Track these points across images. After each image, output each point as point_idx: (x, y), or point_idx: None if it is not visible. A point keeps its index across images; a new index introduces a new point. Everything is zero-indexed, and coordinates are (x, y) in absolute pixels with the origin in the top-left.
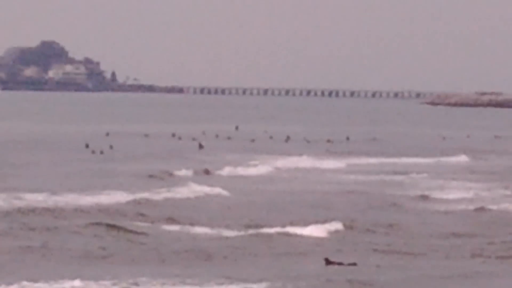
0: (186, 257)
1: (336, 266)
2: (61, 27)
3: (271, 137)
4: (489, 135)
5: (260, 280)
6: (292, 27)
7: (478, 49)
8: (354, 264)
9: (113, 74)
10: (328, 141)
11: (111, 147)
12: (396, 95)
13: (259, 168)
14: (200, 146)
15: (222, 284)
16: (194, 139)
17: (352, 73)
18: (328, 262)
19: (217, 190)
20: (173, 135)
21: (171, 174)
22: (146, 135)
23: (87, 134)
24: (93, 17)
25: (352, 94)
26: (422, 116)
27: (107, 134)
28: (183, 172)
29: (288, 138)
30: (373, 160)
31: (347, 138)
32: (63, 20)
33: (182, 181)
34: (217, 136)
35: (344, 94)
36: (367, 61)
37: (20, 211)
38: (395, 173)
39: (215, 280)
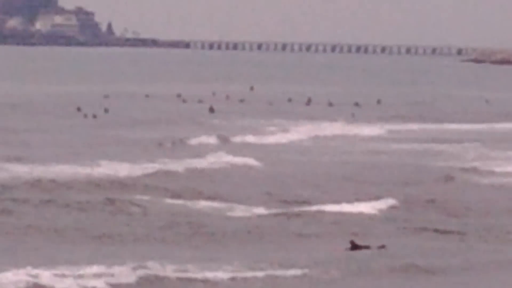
0: (216, 238)
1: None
2: None
3: (289, 100)
4: None
5: (291, 266)
6: None
7: None
8: (383, 246)
9: (109, 26)
10: (356, 104)
11: (106, 110)
12: (434, 51)
13: (287, 135)
14: (211, 110)
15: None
16: (201, 101)
17: (383, 26)
18: (354, 246)
19: (244, 160)
20: (179, 95)
21: (182, 142)
22: (147, 96)
23: (79, 95)
24: None
25: (383, 50)
26: (465, 75)
27: (106, 96)
28: (197, 140)
29: (309, 101)
30: (414, 126)
31: (378, 101)
32: None
33: (198, 150)
34: (227, 97)
35: (374, 50)
36: (400, 13)
37: (4, 184)
38: (444, 141)
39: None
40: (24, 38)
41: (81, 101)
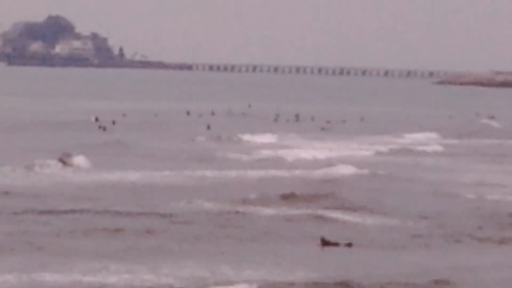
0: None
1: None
2: (68, 1)
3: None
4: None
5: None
6: (301, 4)
7: (493, 26)
8: (349, 244)
9: (121, 50)
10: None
11: (113, 122)
12: (408, 74)
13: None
14: (208, 127)
15: None
16: (201, 115)
17: (364, 51)
18: (324, 242)
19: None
20: (188, 113)
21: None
22: (156, 115)
23: (94, 111)
24: None
25: (364, 72)
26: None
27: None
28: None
29: (297, 116)
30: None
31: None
32: None
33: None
34: (229, 112)
35: (356, 73)
36: (380, 39)
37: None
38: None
39: None
40: (45, 60)
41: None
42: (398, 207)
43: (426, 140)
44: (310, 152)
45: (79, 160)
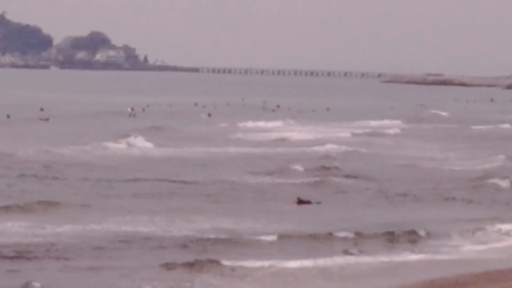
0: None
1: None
2: (105, 20)
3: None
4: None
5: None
6: (279, 21)
7: (428, 35)
8: (319, 203)
9: (145, 58)
10: (313, 110)
11: (144, 109)
12: (362, 75)
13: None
14: (209, 115)
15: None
16: (205, 106)
17: (329, 57)
18: (300, 201)
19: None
20: (196, 104)
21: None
22: (170, 105)
23: (127, 103)
24: (130, 12)
25: (328, 74)
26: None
27: (148, 106)
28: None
29: (278, 107)
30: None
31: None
32: (107, 14)
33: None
34: (227, 104)
35: (322, 74)
36: (341, 46)
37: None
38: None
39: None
40: (88, 65)
41: (126, 105)
42: (375, 174)
43: (388, 125)
44: (303, 134)
45: (139, 140)
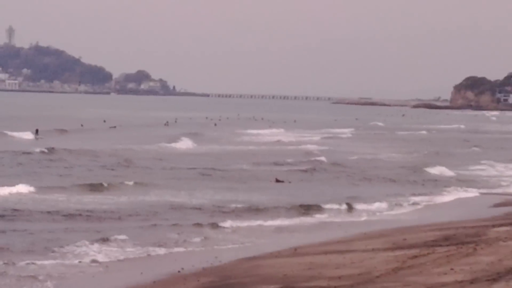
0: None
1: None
2: (147, 61)
3: (255, 119)
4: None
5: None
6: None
7: (361, 70)
8: (290, 182)
9: (174, 87)
10: (284, 122)
11: (175, 121)
12: (318, 98)
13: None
14: (215, 125)
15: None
16: (212, 119)
17: (295, 85)
18: (277, 180)
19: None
20: (206, 118)
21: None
22: (191, 118)
23: (163, 117)
24: (164, 56)
25: (295, 98)
26: (329, 109)
27: (176, 120)
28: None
29: (262, 119)
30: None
31: (295, 121)
32: (148, 58)
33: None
34: (227, 118)
35: (291, 98)
36: (304, 76)
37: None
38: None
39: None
40: (136, 92)
41: (160, 118)
42: (343, 163)
43: (343, 131)
44: (290, 138)
45: (187, 141)
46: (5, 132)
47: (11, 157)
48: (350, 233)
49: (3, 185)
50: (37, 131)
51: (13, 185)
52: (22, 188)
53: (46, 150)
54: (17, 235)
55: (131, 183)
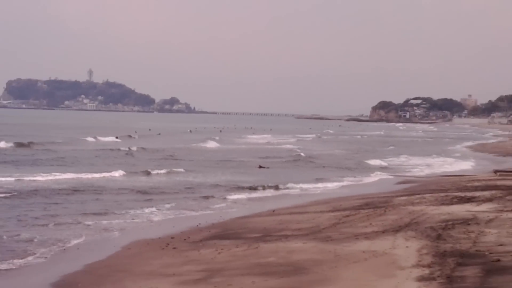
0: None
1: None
2: (178, 90)
3: (250, 128)
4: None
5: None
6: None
7: (311, 94)
8: (269, 167)
9: (194, 108)
10: (270, 129)
11: (191, 131)
12: (286, 114)
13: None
14: (220, 131)
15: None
16: (219, 128)
17: (269, 104)
18: (260, 166)
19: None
20: (216, 128)
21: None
22: (205, 128)
23: (187, 127)
24: (189, 85)
25: (271, 114)
26: (293, 122)
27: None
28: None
29: (253, 128)
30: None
31: (271, 129)
32: (179, 88)
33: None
34: (228, 128)
35: (267, 115)
36: (274, 98)
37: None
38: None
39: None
40: (170, 111)
41: (185, 128)
42: (315, 158)
43: (307, 136)
44: (276, 140)
45: (212, 142)
46: (98, 137)
47: (105, 153)
48: (306, 201)
49: (102, 171)
50: (116, 137)
51: (109, 171)
52: (116, 173)
53: (128, 149)
54: (97, 203)
55: (180, 169)
